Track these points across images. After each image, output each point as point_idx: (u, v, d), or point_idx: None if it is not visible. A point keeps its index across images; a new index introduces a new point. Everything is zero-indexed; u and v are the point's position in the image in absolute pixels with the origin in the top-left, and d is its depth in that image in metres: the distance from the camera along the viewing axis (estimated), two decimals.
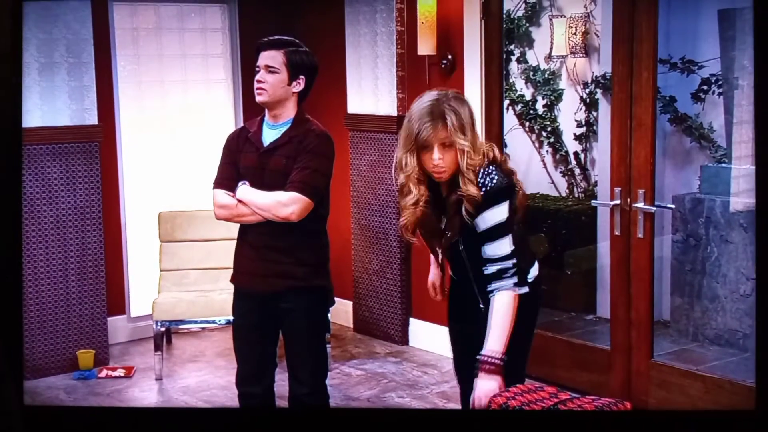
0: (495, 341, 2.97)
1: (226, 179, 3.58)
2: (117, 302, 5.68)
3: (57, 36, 5.14)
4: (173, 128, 6.03)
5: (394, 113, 5.49)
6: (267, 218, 3.48)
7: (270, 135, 3.56)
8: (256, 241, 3.56)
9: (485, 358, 2.96)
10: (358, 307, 5.89)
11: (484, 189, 3.00)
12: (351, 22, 5.70)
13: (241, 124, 4.56)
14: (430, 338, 5.42)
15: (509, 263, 3.03)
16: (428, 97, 3.03)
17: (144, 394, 5.03)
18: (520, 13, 6.64)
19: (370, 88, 5.65)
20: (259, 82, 3.50)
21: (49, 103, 5.15)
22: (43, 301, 5.17)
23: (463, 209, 3.01)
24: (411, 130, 3.00)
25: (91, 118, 5.28)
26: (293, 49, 3.54)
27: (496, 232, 3.02)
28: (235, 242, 3.71)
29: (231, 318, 3.81)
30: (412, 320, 5.63)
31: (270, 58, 3.50)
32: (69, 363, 5.22)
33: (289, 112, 3.55)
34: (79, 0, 5.20)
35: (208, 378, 5.20)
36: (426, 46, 5.24)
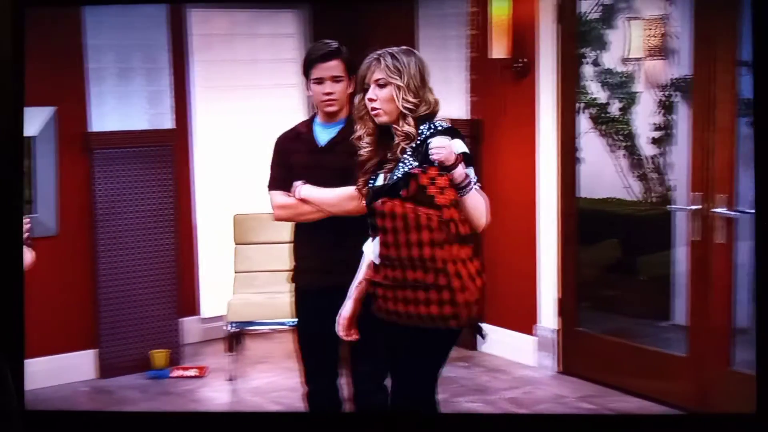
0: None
1: (281, 180, 3.62)
2: (189, 303, 5.75)
3: (134, 43, 5.24)
4: (245, 132, 6.09)
5: (466, 116, 5.45)
6: (333, 213, 3.50)
7: (324, 135, 3.62)
8: (320, 237, 3.58)
9: None
10: None
11: (431, 130, 3.14)
12: (421, 26, 5.68)
13: None
14: (500, 343, 5.35)
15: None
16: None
17: (216, 394, 5.08)
18: (595, 16, 6.54)
19: (439, 93, 5.60)
20: (328, 94, 3.56)
21: (127, 108, 5.25)
22: (117, 301, 5.26)
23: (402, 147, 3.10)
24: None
25: (167, 122, 5.37)
26: (347, 53, 3.58)
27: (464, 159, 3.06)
28: None
29: None
30: (482, 325, 5.56)
31: (335, 68, 3.56)
32: (142, 363, 5.29)
33: (343, 112, 3.61)
34: (155, 7, 5.30)
35: (277, 379, 5.22)
36: (499, 49, 5.19)
